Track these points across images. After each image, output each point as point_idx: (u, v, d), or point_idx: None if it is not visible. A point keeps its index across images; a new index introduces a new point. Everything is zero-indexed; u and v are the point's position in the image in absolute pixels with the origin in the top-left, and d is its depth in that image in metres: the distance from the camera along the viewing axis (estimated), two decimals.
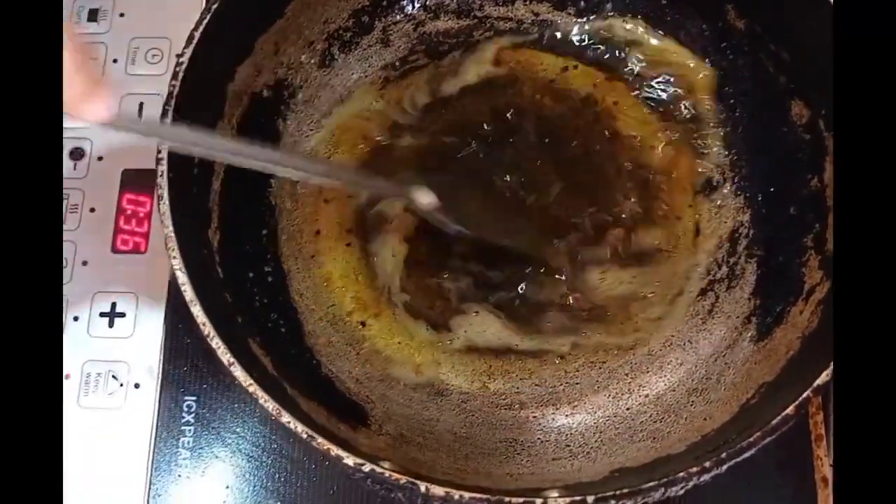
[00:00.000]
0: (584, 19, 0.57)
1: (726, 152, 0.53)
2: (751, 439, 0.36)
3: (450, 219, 0.48)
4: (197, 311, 0.39)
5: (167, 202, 0.41)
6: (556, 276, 0.51)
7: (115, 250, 0.55)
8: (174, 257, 0.40)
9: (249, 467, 0.50)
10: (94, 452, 0.51)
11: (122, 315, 0.53)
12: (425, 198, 0.46)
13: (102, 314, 0.53)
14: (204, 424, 0.51)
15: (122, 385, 0.52)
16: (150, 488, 0.50)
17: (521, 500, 0.35)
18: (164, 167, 0.42)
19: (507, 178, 0.54)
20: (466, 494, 0.35)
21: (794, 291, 0.46)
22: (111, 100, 0.32)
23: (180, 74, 0.44)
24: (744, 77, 0.52)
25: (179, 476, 0.50)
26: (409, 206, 0.50)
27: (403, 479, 0.36)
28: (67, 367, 0.52)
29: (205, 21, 0.44)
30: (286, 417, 0.37)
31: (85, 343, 0.53)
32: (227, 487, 0.50)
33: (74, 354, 0.52)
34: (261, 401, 0.38)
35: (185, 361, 0.52)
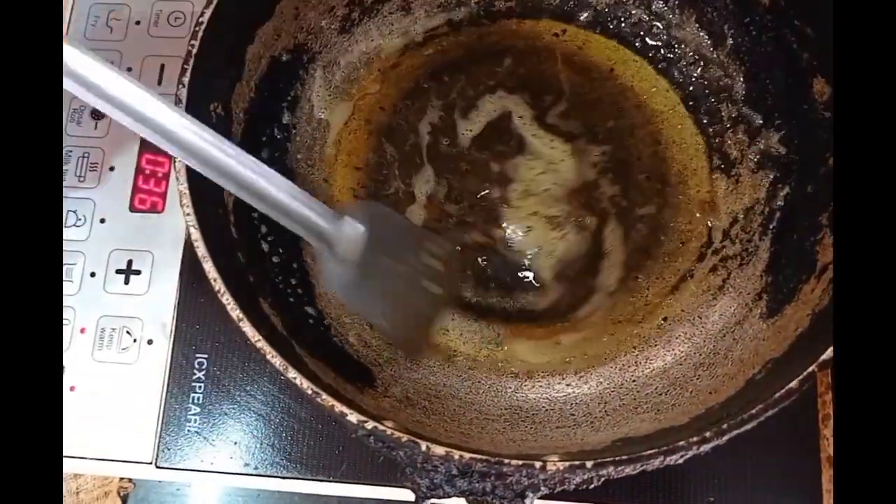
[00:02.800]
0: None
1: (746, 128, 0.52)
2: (753, 411, 0.36)
3: None
4: (209, 266, 0.39)
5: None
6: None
7: (132, 209, 0.56)
8: (188, 213, 0.40)
9: (257, 425, 0.51)
10: (106, 405, 0.52)
11: (138, 273, 0.54)
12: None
13: (118, 271, 0.54)
14: (214, 382, 0.52)
15: (135, 341, 0.53)
16: (159, 442, 0.51)
17: (519, 462, 0.35)
18: None
19: None
20: (466, 455, 0.35)
21: (806, 269, 0.45)
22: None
23: (200, 34, 0.43)
24: (766, 53, 0.51)
25: (189, 431, 0.51)
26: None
27: (405, 438, 0.36)
28: (83, 322, 0.53)
29: None
30: (292, 373, 0.37)
31: (100, 298, 0.54)
32: (235, 444, 0.50)
33: (90, 309, 0.53)
34: (268, 356, 0.38)
35: (197, 320, 0.53)
